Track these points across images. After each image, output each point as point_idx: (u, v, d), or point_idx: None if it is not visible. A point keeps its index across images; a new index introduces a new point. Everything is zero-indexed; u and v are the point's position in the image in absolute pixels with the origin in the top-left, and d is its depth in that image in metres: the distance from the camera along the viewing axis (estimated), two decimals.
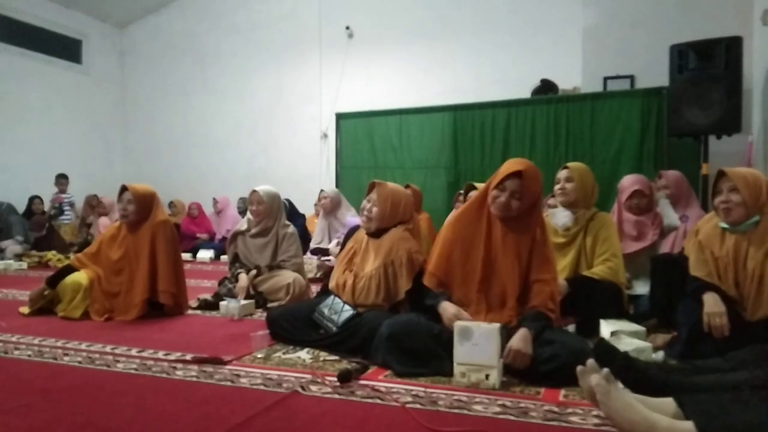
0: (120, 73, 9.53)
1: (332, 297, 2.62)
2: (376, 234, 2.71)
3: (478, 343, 1.97)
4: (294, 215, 6.26)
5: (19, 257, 6.11)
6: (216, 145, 8.79)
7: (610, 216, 3.01)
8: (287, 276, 3.52)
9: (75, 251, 6.03)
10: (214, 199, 7.57)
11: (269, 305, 3.41)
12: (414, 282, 2.51)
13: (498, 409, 1.78)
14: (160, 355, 2.42)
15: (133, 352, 2.47)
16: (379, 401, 1.86)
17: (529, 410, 1.77)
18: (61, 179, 7.58)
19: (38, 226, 6.79)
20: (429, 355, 2.15)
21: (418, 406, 1.82)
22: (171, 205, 7.94)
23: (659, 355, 2.29)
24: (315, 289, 3.63)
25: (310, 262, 4.81)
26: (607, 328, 2.50)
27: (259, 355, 2.40)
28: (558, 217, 2.88)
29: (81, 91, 8.80)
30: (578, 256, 2.82)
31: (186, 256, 5.83)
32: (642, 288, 3.02)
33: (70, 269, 3.37)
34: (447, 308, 2.22)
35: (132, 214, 3.30)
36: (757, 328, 2.14)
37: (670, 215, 3.36)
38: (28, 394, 1.95)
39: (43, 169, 7.68)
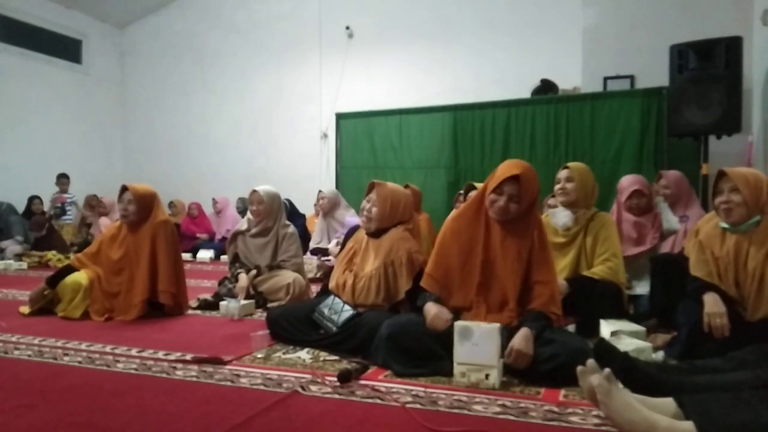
0: (120, 73, 9.54)
1: (332, 297, 2.62)
2: (376, 234, 2.71)
3: (478, 343, 1.97)
4: (294, 215, 6.25)
5: (19, 257, 6.10)
6: (216, 145, 8.79)
7: (610, 216, 3.01)
8: (287, 276, 3.52)
9: (75, 251, 6.04)
10: (213, 199, 7.57)
11: (269, 305, 3.41)
12: (414, 282, 2.51)
13: (498, 409, 1.78)
14: (160, 355, 2.42)
15: (133, 352, 2.47)
16: (379, 401, 1.86)
17: (529, 410, 1.77)
18: (63, 179, 7.57)
19: (38, 226, 6.78)
20: (429, 355, 2.15)
21: (418, 406, 1.82)
22: (171, 205, 7.94)
23: (659, 355, 2.29)
24: (315, 289, 3.63)
25: (310, 262, 4.82)
26: (607, 328, 2.50)
27: (259, 355, 2.40)
28: (558, 216, 2.88)
29: (81, 91, 8.81)
30: (578, 256, 2.81)
31: (186, 256, 5.83)
32: (642, 288, 3.02)
33: (70, 269, 3.37)
34: (429, 309, 2.21)
35: (132, 214, 3.30)
36: (758, 328, 2.13)
37: (669, 219, 3.35)
38: (27, 394, 1.94)
39: (43, 169, 7.69)
